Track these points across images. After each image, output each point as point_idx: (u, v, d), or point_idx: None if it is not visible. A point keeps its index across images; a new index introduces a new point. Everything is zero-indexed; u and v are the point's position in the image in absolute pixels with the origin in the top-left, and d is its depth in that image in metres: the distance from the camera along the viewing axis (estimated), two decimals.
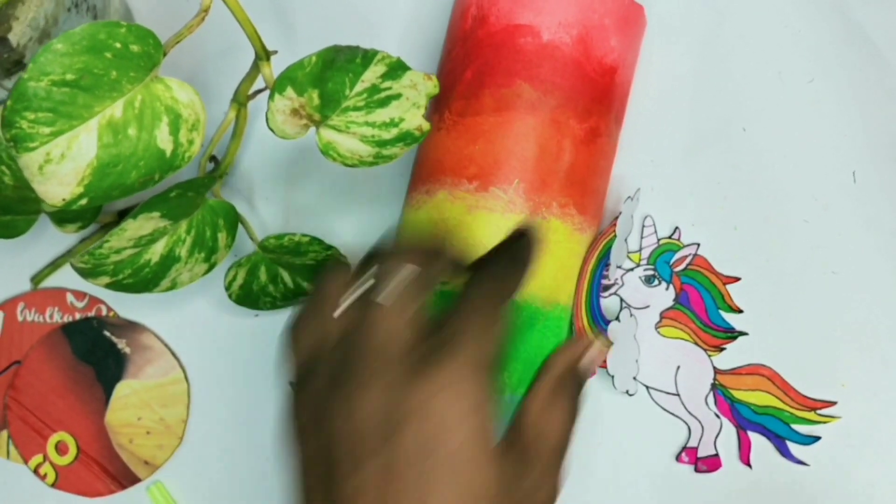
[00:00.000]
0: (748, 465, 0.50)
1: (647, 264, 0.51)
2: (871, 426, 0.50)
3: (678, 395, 0.50)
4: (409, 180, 0.50)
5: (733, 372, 0.50)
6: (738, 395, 0.50)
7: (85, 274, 0.44)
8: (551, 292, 0.46)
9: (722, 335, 0.50)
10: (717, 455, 0.50)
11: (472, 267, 0.41)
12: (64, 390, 0.51)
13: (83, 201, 0.37)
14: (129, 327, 0.51)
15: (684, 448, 0.50)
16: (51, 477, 0.50)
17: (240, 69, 0.44)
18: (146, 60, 0.37)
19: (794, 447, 0.50)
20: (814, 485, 0.50)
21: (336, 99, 0.41)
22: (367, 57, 0.40)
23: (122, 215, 0.51)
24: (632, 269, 0.51)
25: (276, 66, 0.41)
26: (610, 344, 0.48)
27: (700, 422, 0.50)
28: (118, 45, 0.36)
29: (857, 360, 0.50)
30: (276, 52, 0.42)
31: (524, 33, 0.45)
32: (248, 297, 0.49)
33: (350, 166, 0.42)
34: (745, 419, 0.50)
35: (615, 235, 0.48)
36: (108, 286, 0.45)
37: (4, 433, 0.51)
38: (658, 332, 0.50)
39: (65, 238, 0.51)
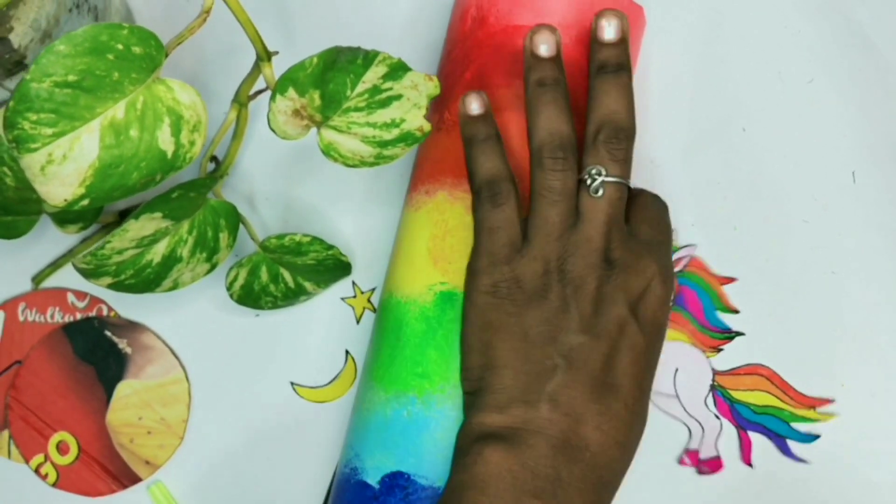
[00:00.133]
0: (750, 465, 0.50)
1: None
2: (870, 425, 0.50)
3: (677, 397, 0.50)
4: (409, 181, 0.50)
5: (732, 372, 0.50)
6: (737, 395, 0.50)
7: (87, 274, 0.44)
8: None
9: (719, 336, 0.50)
10: (718, 456, 0.50)
11: None
12: (65, 390, 0.51)
13: (85, 202, 0.37)
14: (130, 327, 0.51)
15: (686, 450, 0.50)
16: (52, 477, 0.51)
17: (241, 70, 0.44)
18: (148, 62, 0.37)
19: (794, 445, 0.50)
20: (816, 482, 0.50)
21: (337, 100, 0.41)
22: (369, 58, 0.41)
23: (124, 216, 0.51)
24: None
25: (277, 67, 0.41)
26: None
27: (700, 423, 0.50)
28: (120, 46, 0.36)
29: (857, 360, 0.50)
30: (277, 52, 0.42)
31: (524, 34, 0.45)
32: (250, 296, 0.49)
33: (351, 167, 0.42)
34: (745, 419, 0.50)
35: None
36: (111, 287, 0.45)
37: (6, 433, 0.51)
38: None
39: (66, 238, 0.51)
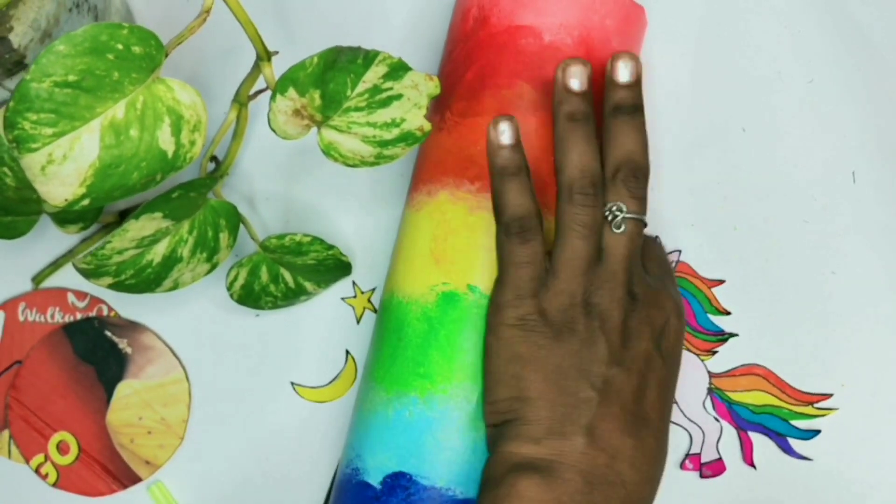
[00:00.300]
0: (752, 465, 0.50)
1: None
2: (871, 422, 0.50)
3: (676, 402, 0.50)
4: (410, 181, 0.50)
5: (728, 374, 0.50)
6: (734, 396, 0.50)
7: (87, 274, 0.44)
8: None
9: (712, 338, 0.50)
10: (720, 459, 0.50)
11: None
12: (65, 390, 0.51)
13: (85, 202, 0.37)
14: (131, 327, 0.51)
15: (687, 455, 0.50)
16: (52, 477, 0.50)
17: (241, 70, 0.44)
18: (148, 62, 0.37)
19: (795, 443, 0.50)
20: (819, 479, 0.50)
21: (337, 99, 0.41)
22: (369, 58, 0.40)
23: (124, 216, 0.51)
24: None
25: (277, 67, 0.41)
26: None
27: (700, 427, 0.50)
28: (120, 46, 0.36)
29: (857, 360, 0.50)
30: (277, 52, 0.42)
31: (525, 34, 0.45)
32: (250, 296, 0.49)
33: (351, 166, 0.42)
34: (744, 420, 0.50)
35: None
36: (111, 287, 0.45)
37: (6, 433, 0.51)
38: None
39: (66, 238, 0.51)
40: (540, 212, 0.44)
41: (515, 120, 0.45)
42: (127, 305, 0.51)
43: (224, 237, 0.46)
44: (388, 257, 0.50)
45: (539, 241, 0.43)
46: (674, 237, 0.51)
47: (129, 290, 0.45)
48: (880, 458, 0.50)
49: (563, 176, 0.44)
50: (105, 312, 0.51)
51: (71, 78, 0.35)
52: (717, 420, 0.50)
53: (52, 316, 0.51)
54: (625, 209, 0.43)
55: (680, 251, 0.51)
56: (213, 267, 0.47)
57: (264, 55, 0.41)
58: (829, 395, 0.50)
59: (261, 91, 0.44)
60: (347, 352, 0.51)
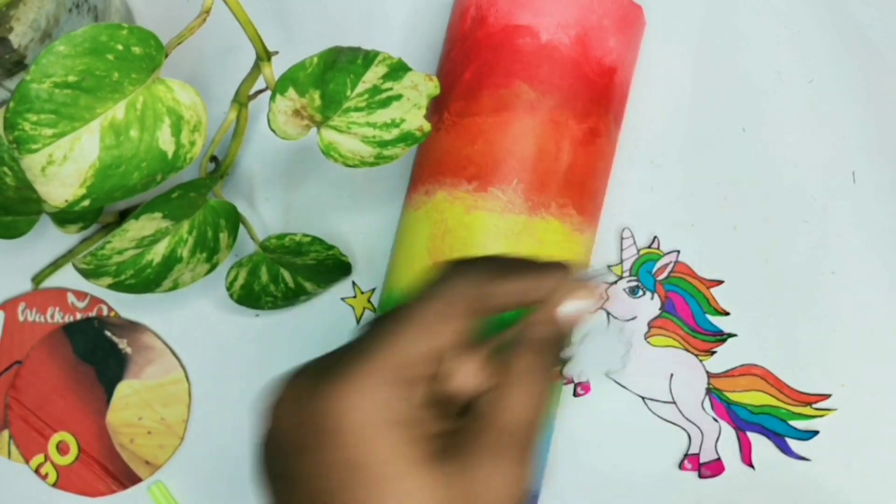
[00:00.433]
0: (751, 465, 0.50)
1: (630, 276, 0.51)
2: (870, 422, 0.50)
3: (674, 402, 0.50)
4: (408, 180, 0.50)
5: (726, 374, 0.50)
6: (733, 396, 0.50)
7: (87, 275, 0.44)
8: None
9: (711, 339, 0.50)
10: (719, 459, 0.50)
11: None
12: (65, 390, 0.51)
13: (85, 202, 0.37)
14: (130, 327, 0.51)
15: (686, 455, 0.50)
16: (52, 477, 0.51)
17: (241, 70, 0.44)
18: (148, 62, 0.37)
19: (794, 443, 0.50)
20: (817, 479, 0.50)
21: (337, 100, 0.41)
22: (369, 58, 0.41)
23: (124, 216, 0.51)
24: (615, 282, 0.51)
25: (277, 67, 0.41)
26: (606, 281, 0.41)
27: (699, 427, 0.50)
28: (120, 46, 0.36)
29: (857, 360, 0.50)
30: (276, 52, 0.42)
31: (523, 34, 0.45)
32: (250, 296, 0.49)
33: (351, 167, 0.42)
34: (742, 420, 0.50)
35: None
36: (111, 287, 0.45)
37: (6, 433, 0.51)
38: (648, 342, 0.50)
39: (66, 238, 0.51)
40: None
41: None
42: (127, 305, 0.51)
43: (224, 237, 0.46)
44: (388, 257, 0.50)
45: None
46: (673, 237, 0.51)
47: (129, 291, 0.45)
48: (879, 458, 0.50)
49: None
50: (105, 312, 0.51)
51: (71, 78, 0.35)
52: (715, 420, 0.50)
53: (52, 316, 0.51)
54: None
55: (679, 251, 0.51)
56: (213, 267, 0.47)
57: (264, 55, 0.41)
58: (827, 396, 0.50)
59: (261, 91, 0.44)
60: None
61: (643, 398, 0.50)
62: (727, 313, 0.50)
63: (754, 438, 0.50)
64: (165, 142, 0.38)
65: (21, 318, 0.51)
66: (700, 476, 0.50)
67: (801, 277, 0.51)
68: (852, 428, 0.50)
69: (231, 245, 0.47)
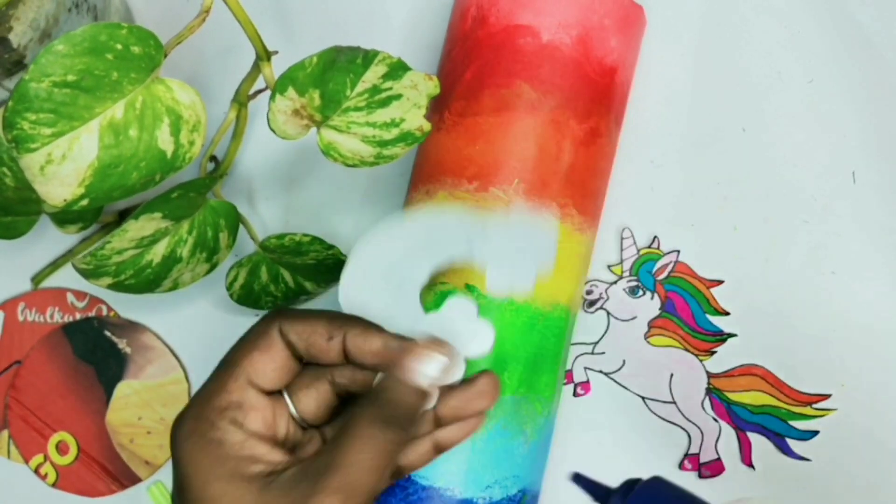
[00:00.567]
0: (751, 465, 0.50)
1: (630, 276, 0.51)
2: (869, 425, 0.50)
3: (674, 402, 0.50)
4: (409, 180, 0.50)
5: (726, 374, 0.50)
6: (733, 396, 0.50)
7: (87, 275, 0.44)
8: (551, 293, 0.46)
9: (711, 339, 0.50)
10: (719, 459, 0.50)
11: None
12: (65, 390, 0.51)
13: (84, 202, 0.37)
14: (130, 327, 0.51)
15: (686, 455, 0.50)
16: (51, 477, 0.50)
17: (240, 69, 0.44)
18: (147, 61, 0.37)
19: (794, 443, 0.50)
20: (817, 479, 0.50)
21: (337, 99, 0.41)
22: (368, 57, 0.40)
23: (123, 216, 0.51)
24: (615, 282, 0.51)
25: (277, 67, 0.41)
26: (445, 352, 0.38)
27: (699, 427, 0.50)
28: (119, 46, 0.36)
29: (857, 360, 0.50)
30: (276, 52, 0.42)
31: (524, 34, 0.45)
32: (250, 296, 0.49)
33: (351, 166, 0.42)
34: (742, 420, 0.50)
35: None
36: (110, 287, 0.45)
37: (5, 433, 0.51)
38: (648, 342, 0.50)
39: (65, 238, 0.51)
40: None
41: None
42: (126, 305, 0.51)
43: (223, 237, 0.46)
44: None
45: None
46: (674, 237, 0.51)
47: (129, 291, 0.45)
48: (879, 458, 0.50)
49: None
50: (104, 312, 0.51)
51: (70, 78, 0.35)
52: (715, 420, 0.50)
53: (52, 316, 0.51)
54: None
55: (679, 251, 0.51)
56: (213, 267, 0.47)
57: (264, 55, 0.41)
58: (827, 396, 0.50)
59: (260, 91, 0.44)
60: None
61: (643, 398, 0.50)
62: (727, 313, 0.50)
63: (754, 438, 0.50)
64: (164, 141, 0.38)
65: (21, 318, 0.51)
66: (700, 476, 0.50)
67: (801, 277, 0.51)
68: (852, 428, 0.50)
69: (231, 245, 0.47)
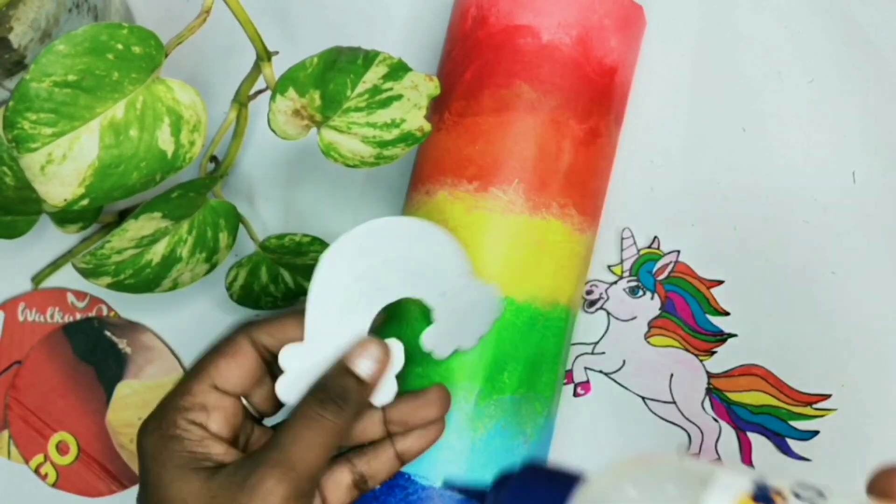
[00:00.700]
0: (751, 465, 0.50)
1: (630, 276, 0.51)
2: (869, 425, 0.50)
3: (675, 402, 0.50)
4: (409, 180, 0.50)
5: (726, 374, 0.50)
6: (733, 397, 0.50)
7: (87, 274, 0.44)
8: (551, 293, 0.46)
9: (711, 339, 0.50)
10: (719, 459, 0.50)
11: None
12: (65, 390, 0.51)
13: (84, 202, 0.37)
14: (130, 327, 0.51)
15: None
16: (52, 477, 0.50)
17: (241, 70, 0.44)
18: (148, 62, 0.37)
19: (794, 443, 0.50)
20: (817, 480, 0.49)
21: (337, 100, 0.41)
22: (369, 58, 0.40)
23: (123, 216, 0.51)
24: (615, 282, 0.51)
25: (277, 67, 0.41)
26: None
27: (699, 427, 0.50)
28: (120, 46, 0.36)
29: (856, 361, 0.50)
30: (277, 52, 0.42)
31: (524, 34, 0.45)
32: (250, 296, 0.49)
33: (351, 167, 0.42)
34: (742, 420, 0.50)
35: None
36: (110, 286, 0.45)
37: (5, 433, 0.51)
38: (648, 342, 0.50)
39: (65, 238, 0.51)
40: None
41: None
42: (126, 305, 0.51)
43: (223, 237, 0.46)
44: None
45: None
46: (674, 237, 0.51)
47: (128, 290, 0.45)
48: (878, 459, 0.50)
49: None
50: (105, 312, 0.51)
51: (70, 78, 0.35)
52: (715, 420, 0.50)
53: (52, 316, 0.51)
54: None
55: (679, 251, 0.51)
56: (213, 267, 0.47)
57: (264, 55, 0.41)
58: (827, 396, 0.50)
59: (261, 91, 0.44)
60: None
61: (643, 398, 0.50)
62: (727, 313, 0.50)
63: (754, 438, 0.50)
64: (165, 141, 0.38)
65: (21, 318, 0.51)
66: None
67: (801, 277, 0.51)
68: (852, 428, 0.50)
69: (231, 245, 0.47)
